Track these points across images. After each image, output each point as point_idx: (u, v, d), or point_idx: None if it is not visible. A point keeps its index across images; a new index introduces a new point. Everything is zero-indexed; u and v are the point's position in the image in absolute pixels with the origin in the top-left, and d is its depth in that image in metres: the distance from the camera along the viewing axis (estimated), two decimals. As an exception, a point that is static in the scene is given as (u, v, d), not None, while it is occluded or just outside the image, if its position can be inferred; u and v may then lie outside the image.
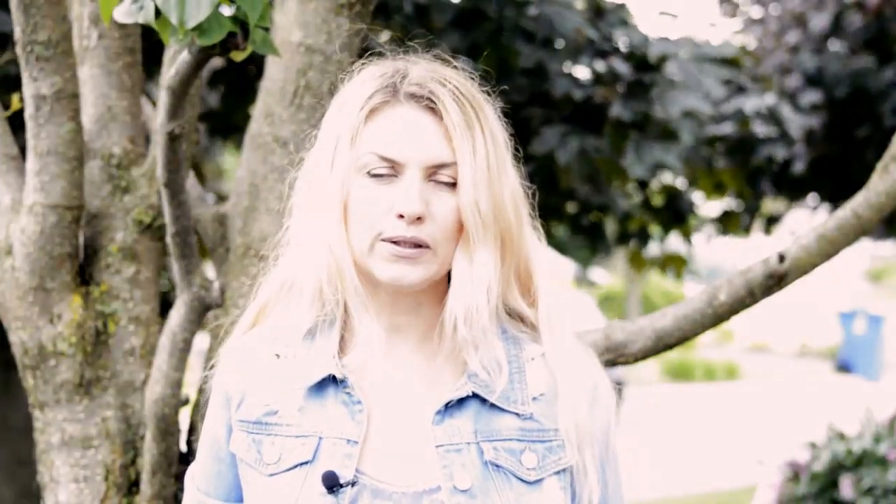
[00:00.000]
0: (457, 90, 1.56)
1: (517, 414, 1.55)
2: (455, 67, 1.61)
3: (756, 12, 8.98)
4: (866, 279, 29.82)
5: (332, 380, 1.55)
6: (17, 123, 2.51)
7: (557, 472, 1.54)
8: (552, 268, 1.64)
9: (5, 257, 2.40)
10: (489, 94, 1.62)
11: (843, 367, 18.38)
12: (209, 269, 2.53)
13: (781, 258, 2.23)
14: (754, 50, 7.76)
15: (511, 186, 1.58)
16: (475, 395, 1.54)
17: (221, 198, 5.61)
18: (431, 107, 1.55)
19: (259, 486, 1.54)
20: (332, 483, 1.48)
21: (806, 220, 10.19)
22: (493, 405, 1.54)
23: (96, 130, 2.53)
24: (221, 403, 1.62)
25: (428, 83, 1.56)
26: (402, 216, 1.51)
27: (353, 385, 1.54)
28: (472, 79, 1.61)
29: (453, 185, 1.54)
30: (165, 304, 2.67)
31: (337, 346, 1.57)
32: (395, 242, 1.51)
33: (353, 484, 1.49)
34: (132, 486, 2.44)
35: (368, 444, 1.52)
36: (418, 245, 1.52)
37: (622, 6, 5.48)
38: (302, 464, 1.51)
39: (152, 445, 2.36)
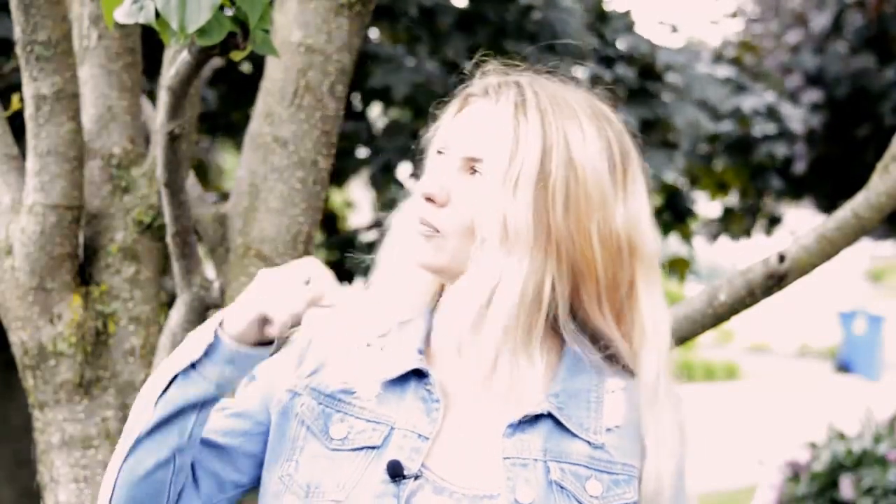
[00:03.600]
0: (528, 85, 1.56)
1: (588, 442, 1.53)
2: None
3: (756, 12, 8.98)
4: (866, 279, 29.81)
5: (414, 373, 1.55)
6: (17, 123, 2.51)
7: None
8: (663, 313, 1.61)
9: (5, 257, 2.40)
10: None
11: (843, 367, 18.36)
12: (209, 269, 2.53)
13: (781, 258, 2.23)
14: (755, 46, 7.75)
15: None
16: (550, 416, 1.53)
17: (224, 196, 5.62)
18: (507, 102, 1.56)
19: (318, 455, 1.52)
20: (396, 472, 1.48)
21: (806, 220, 10.19)
22: (566, 429, 1.53)
23: (96, 130, 2.53)
24: (292, 364, 1.59)
25: (509, 83, 1.57)
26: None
27: (434, 382, 1.54)
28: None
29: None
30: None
31: (424, 341, 1.57)
32: (419, 221, 1.55)
33: (417, 477, 1.49)
34: (132, 486, 2.43)
35: (439, 442, 1.52)
36: (432, 228, 1.53)
37: (627, 13, 5.48)
38: (369, 448, 1.51)
39: (152, 445, 2.35)
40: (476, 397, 1.56)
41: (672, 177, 5.21)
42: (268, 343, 1.50)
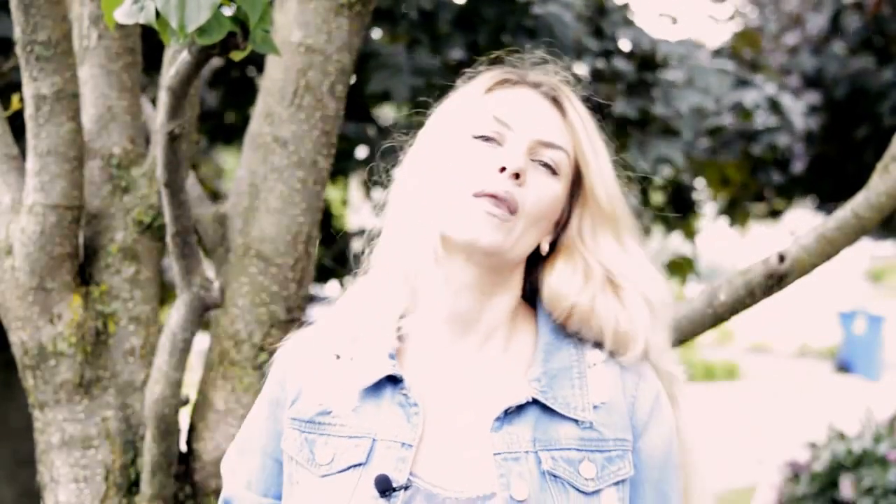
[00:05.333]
0: (578, 94, 1.61)
1: (577, 421, 1.52)
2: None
3: (753, 13, 8.99)
4: (866, 279, 29.81)
5: (388, 380, 1.53)
6: (17, 123, 2.51)
7: (616, 483, 1.51)
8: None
9: (5, 257, 2.40)
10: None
11: (843, 367, 18.36)
12: (209, 269, 2.53)
13: (781, 258, 2.23)
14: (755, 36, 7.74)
15: (622, 195, 1.62)
16: (535, 401, 1.52)
17: (216, 196, 5.62)
18: (554, 97, 1.59)
19: (310, 487, 1.52)
20: (385, 487, 1.47)
21: (806, 220, 10.19)
22: (552, 411, 1.52)
23: (96, 130, 2.53)
24: (276, 399, 1.60)
25: (552, 78, 1.61)
26: (503, 169, 1.51)
27: (410, 386, 1.53)
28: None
29: (554, 171, 1.56)
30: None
31: (395, 346, 1.55)
32: (487, 196, 1.50)
33: (407, 488, 1.47)
34: (132, 486, 2.43)
35: (424, 447, 1.51)
36: (507, 206, 1.50)
37: (625, 6, 5.49)
38: (355, 465, 1.50)
39: (152, 445, 2.35)
40: (454, 396, 1.54)
41: (675, 154, 5.19)
42: None
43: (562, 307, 1.57)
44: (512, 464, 1.48)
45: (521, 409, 1.52)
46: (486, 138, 1.55)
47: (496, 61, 1.68)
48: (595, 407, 1.54)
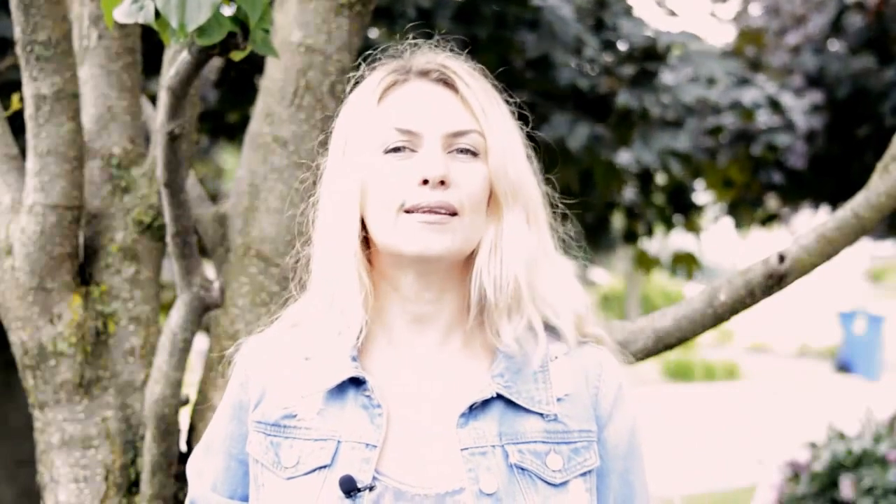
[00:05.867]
0: (466, 65, 1.59)
1: (541, 415, 1.53)
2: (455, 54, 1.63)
3: (756, 10, 8.98)
4: (866, 279, 29.81)
5: (351, 382, 1.54)
6: (17, 123, 2.51)
7: (583, 474, 1.53)
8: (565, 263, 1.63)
9: (5, 257, 2.40)
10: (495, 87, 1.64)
11: (843, 367, 18.37)
12: (209, 269, 2.53)
13: (781, 258, 2.23)
14: (758, 35, 7.72)
15: (525, 160, 1.59)
16: (499, 396, 1.53)
17: (213, 197, 5.61)
18: (444, 79, 1.56)
19: (276, 489, 1.53)
20: (349, 487, 1.47)
21: (806, 220, 10.18)
22: (517, 405, 1.53)
23: (96, 130, 2.53)
24: (238, 402, 1.61)
25: (438, 58, 1.58)
26: (425, 181, 1.50)
27: (372, 388, 1.53)
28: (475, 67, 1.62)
29: (474, 154, 1.54)
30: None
31: (357, 348, 1.55)
32: (420, 210, 1.49)
33: (372, 488, 1.48)
34: (132, 486, 2.43)
35: (390, 447, 1.51)
36: (445, 211, 1.50)
37: None
38: (321, 467, 1.50)
39: (152, 445, 2.35)
40: (418, 394, 1.55)
41: (679, 145, 5.18)
42: None
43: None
44: (479, 458, 1.49)
45: (485, 404, 1.53)
46: (398, 149, 1.53)
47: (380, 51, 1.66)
48: (559, 399, 1.55)
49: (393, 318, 1.57)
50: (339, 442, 1.51)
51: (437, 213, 1.50)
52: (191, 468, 1.67)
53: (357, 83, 1.64)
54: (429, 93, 1.56)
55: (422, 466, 1.50)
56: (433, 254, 1.50)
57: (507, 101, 1.62)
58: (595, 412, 1.57)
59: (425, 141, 1.52)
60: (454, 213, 1.51)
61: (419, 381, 1.56)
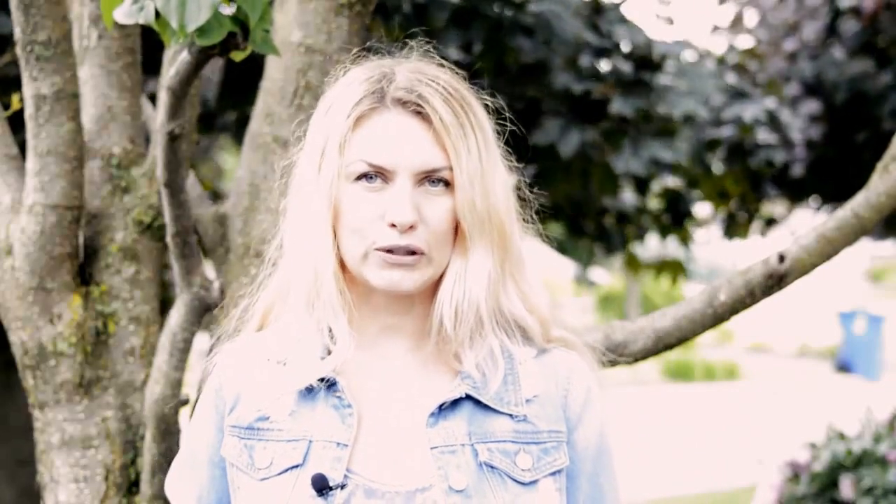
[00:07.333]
0: (445, 90, 1.56)
1: (511, 415, 1.55)
2: (442, 65, 1.62)
3: (752, 18, 8.99)
4: (866, 279, 29.82)
5: (323, 383, 1.55)
6: (17, 123, 2.51)
7: (552, 474, 1.55)
8: (545, 267, 1.64)
9: (5, 257, 2.40)
10: (483, 88, 1.63)
11: (843, 367, 18.37)
12: (209, 269, 2.53)
13: (781, 258, 2.23)
14: (760, 53, 7.75)
15: (502, 183, 1.59)
16: (469, 397, 1.55)
17: (216, 195, 5.61)
18: (419, 111, 1.55)
19: (250, 491, 1.55)
20: (321, 485, 1.49)
21: (806, 221, 10.19)
22: (486, 406, 1.55)
23: (96, 130, 2.53)
24: (215, 407, 1.62)
25: (415, 86, 1.55)
26: (394, 225, 1.51)
27: (343, 388, 1.55)
28: (461, 76, 1.61)
29: (446, 184, 1.54)
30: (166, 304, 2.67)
31: (327, 350, 1.57)
32: (389, 251, 1.51)
33: (343, 486, 1.50)
34: (132, 486, 2.44)
35: (360, 446, 1.53)
36: (413, 252, 1.52)
37: (620, 3, 5.49)
38: (293, 467, 1.52)
39: (152, 445, 2.36)
40: (389, 395, 1.57)
41: (669, 156, 5.20)
42: None
43: None
44: (449, 456, 1.51)
45: (455, 404, 1.54)
46: (369, 177, 1.53)
47: (365, 50, 1.66)
48: (528, 401, 1.57)
49: (365, 324, 1.59)
50: (310, 442, 1.53)
51: (403, 252, 1.51)
52: (171, 488, 1.68)
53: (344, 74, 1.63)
54: (403, 128, 1.54)
55: (392, 465, 1.52)
56: (402, 290, 1.53)
57: (500, 111, 1.62)
58: (565, 414, 1.58)
59: (397, 177, 1.53)
60: (421, 252, 1.52)
61: (390, 382, 1.58)
